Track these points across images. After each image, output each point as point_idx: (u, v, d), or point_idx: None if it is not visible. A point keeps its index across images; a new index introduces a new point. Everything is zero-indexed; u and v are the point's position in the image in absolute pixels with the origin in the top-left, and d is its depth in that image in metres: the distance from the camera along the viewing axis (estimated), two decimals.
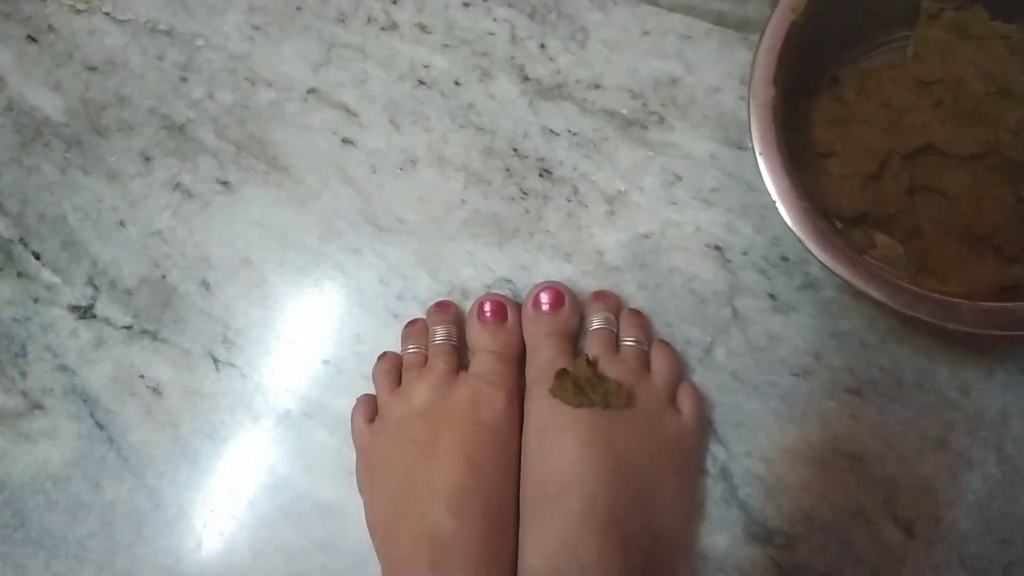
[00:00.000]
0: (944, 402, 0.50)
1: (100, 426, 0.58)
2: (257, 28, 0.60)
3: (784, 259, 0.52)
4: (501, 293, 0.54)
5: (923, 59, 0.50)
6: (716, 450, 0.51)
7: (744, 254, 0.53)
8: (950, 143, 0.48)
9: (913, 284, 0.43)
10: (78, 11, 0.63)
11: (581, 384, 0.48)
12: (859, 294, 0.45)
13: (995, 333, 0.42)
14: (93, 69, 0.62)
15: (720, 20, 0.55)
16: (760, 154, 0.44)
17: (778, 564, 0.50)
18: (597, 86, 0.56)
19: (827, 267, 0.43)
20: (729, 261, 0.53)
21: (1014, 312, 0.42)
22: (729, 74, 0.55)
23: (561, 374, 0.48)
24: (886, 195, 0.49)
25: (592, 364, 0.49)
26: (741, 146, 0.54)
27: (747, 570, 0.50)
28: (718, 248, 0.53)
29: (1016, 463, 0.49)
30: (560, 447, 0.47)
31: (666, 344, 0.52)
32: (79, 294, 0.59)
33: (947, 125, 0.48)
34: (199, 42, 0.61)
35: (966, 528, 0.49)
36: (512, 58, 0.57)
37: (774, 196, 0.44)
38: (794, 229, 0.44)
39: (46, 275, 0.60)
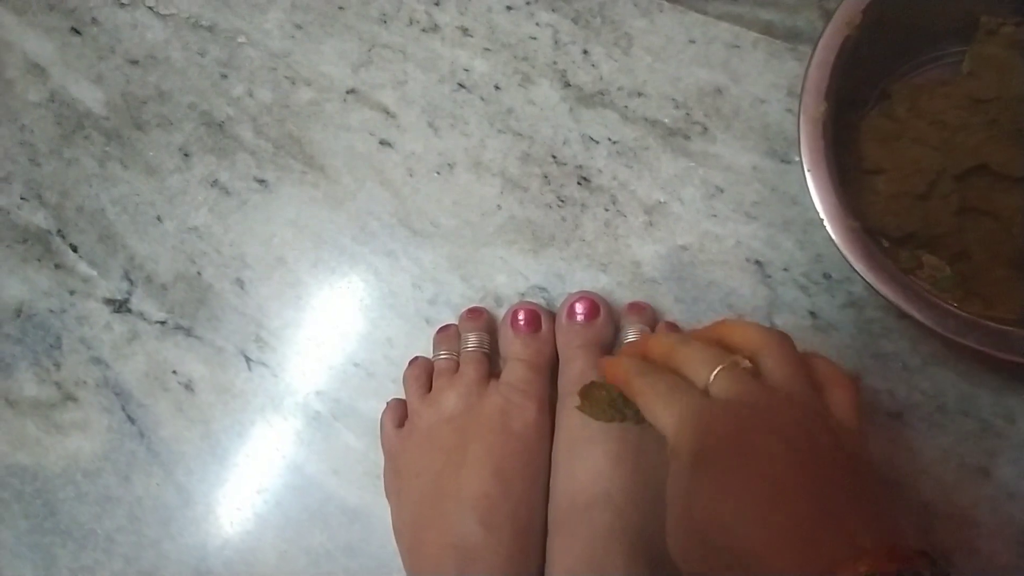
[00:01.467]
0: (987, 429, 0.49)
1: (131, 420, 0.58)
2: (299, 27, 0.60)
3: (827, 276, 0.51)
4: (535, 301, 0.53)
5: (978, 76, 0.48)
6: None
7: (785, 270, 0.52)
8: (1004, 164, 0.47)
9: (959, 307, 0.42)
10: (122, 4, 0.63)
11: (614, 398, 0.47)
12: (904, 316, 0.44)
13: None
14: (135, 63, 0.62)
15: (768, 30, 0.54)
16: (808, 170, 0.43)
17: None
18: (639, 94, 0.55)
19: (875, 289, 0.42)
20: (769, 276, 0.52)
21: None
22: (775, 85, 0.53)
23: (586, 390, 0.48)
24: (935, 215, 0.48)
25: None
26: (785, 159, 0.53)
27: None
28: (758, 263, 0.52)
29: None
30: (590, 461, 0.47)
31: None
32: (115, 288, 0.60)
33: (1001, 145, 0.47)
34: (241, 39, 0.61)
35: (1006, 561, 0.48)
36: (554, 63, 0.57)
37: (821, 213, 0.43)
38: (841, 248, 0.43)
39: (83, 268, 0.60)
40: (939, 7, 0.48)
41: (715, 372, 0.37)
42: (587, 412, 0.47)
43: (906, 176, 0.48)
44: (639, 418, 0.46)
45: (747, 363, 0.37)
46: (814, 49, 0.44)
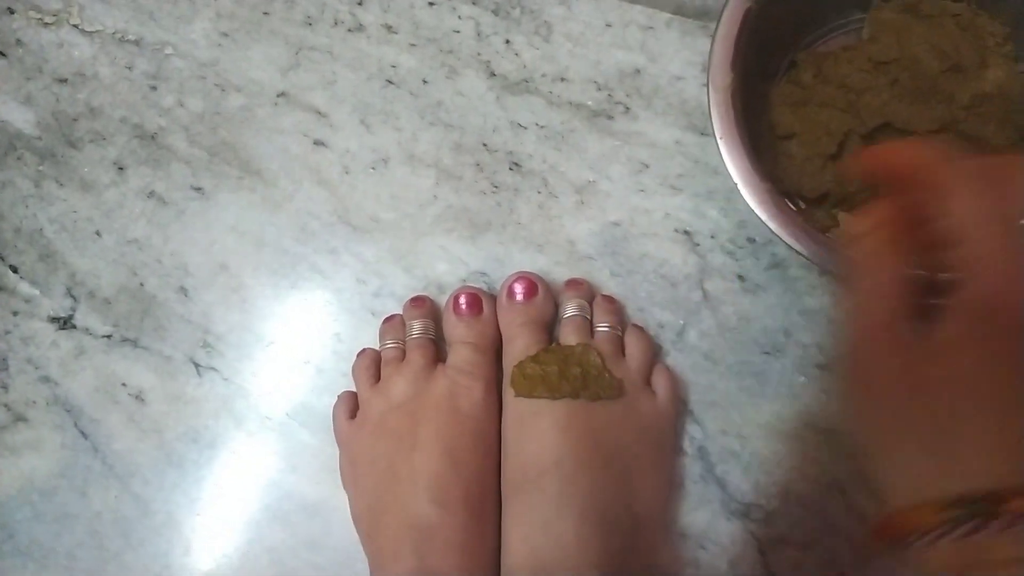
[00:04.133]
0: None
1: (84, 435, 0.58)
2: (225, 34, 0.61)
3: (751, 240, 0.54)
4: (475, 286, 0.55)
5: (878, 40, 0.51)
6: (692, 430, 0.52)
7: (712, 237, 0.54)
8: (907, 121, 0.49)
9: None
10: (46, 24, 0.63)
11: (548, 374, 0.49)
12: (825, 272, 0.46)
13: None
14: (63, 81, 0.62)
15: (679, 10, 0.56)
16: (720, 138, 0.45)
17: (757, 538, 0.51)
18: (563, 79, 0.57)
19: (791, 247, 0.44)
20: (698, 245, 0.54)
21: None
22: (691, 62, 0.56)
23: (520, 368, 0.49)
24: (846, 174, 0.50)
25: (602, 357, 0.50)
26: (704, 132, 0.55)
27: (727, 545, 0.51)
28: (687, 233, 0.54)
29: None
30: (538, 433, 0.48)
31: (639, 328, 0.53)
32: (58, 305, 0.60)
33: (903, 104, 0.50)
34: (168, 50, 0.62)
35: None
36: (478, 54, 0.58)
37: (735, 178, 0.45)
38: (757, 211, 0.45)
39: (24, 288, 0.60)
40: None
41: None
42: (522, 392, 0.49)
43: (817, 139, 0.50)
44: (575, 393, 0.48)
45: None
46: (718, 23, 0.46)
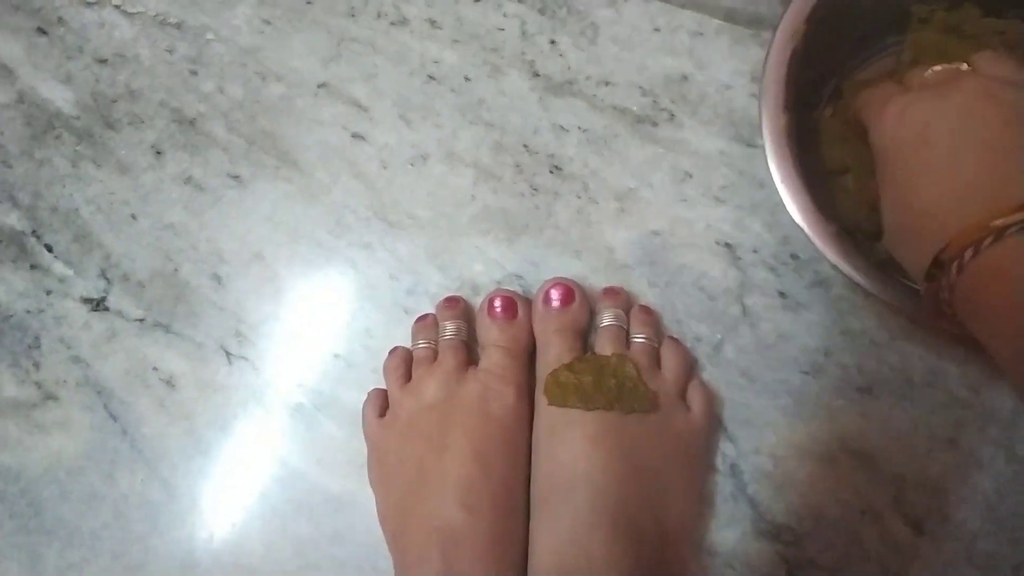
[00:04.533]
0: (954, 401, 0.51)
1: (114, 418, 0.58)
2: (267, 22, 0.60)
3: (794, 257, 0.53)
4: (511, 289, 0.54)
5: (921, 63, 0.48)
6: (725, 447, 0.52)
7: (754, 252, 0.53)
8: None
9: None
10: (88, 4, 0.63)
11: (582, 385, 0.48)
12: (869, 295, 0.45)
13: None
14: (103, 62, 0.62)
15: (731, 17, 0.55)
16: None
17: (786, 560, 0.50)
18: (607, 83, 0.56)
19: (835, 267, 0.43)
20: (739, 258, 0.53)
21: None
22: (739, 72, 0.55)
23: (553, 377, 0.49)
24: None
25: (638, 369, 0.49)
26: (751, 144, 0.54)
27: (756, 566, 0.50)
28: (728, 245, 0.54)
29: None
30: (570, 442, 0.48)
31: (676, 341, 0.52)
32: (92, 286, 0.60)
33: None
34: (209, 35, 0.61)
35: (975, 527, 0.49)
36: (522, 54, 0.57)
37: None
38: (802, 225, 0.44)
39: (59, 267, 0.60)
40: (874, 3, 0.49)
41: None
42: (556, 401, 0.48)
43: (870, 171, 0.48)
44: (608, 404, 0.48)
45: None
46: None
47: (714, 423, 0.51)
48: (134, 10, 0.62)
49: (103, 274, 0.60)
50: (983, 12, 0.48)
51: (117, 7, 0.63)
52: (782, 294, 0.53)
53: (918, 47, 0.49)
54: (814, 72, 0.48)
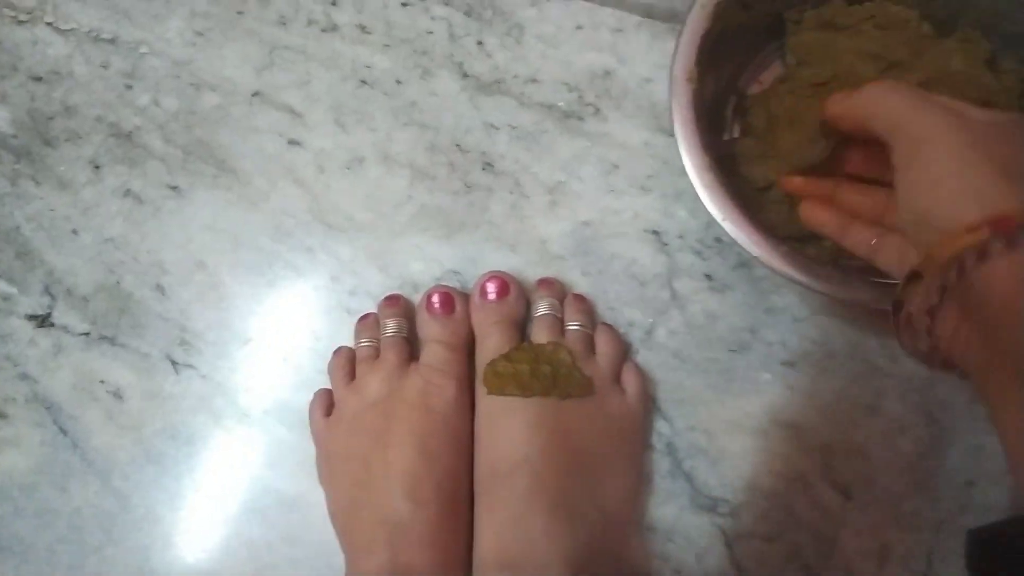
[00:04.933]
0: (874, 370, 0.53)
1: (64, 432, 0.59)
2: (200, 34, 0.61)
3: (718, 240, 0.55)
4: (449, 285, 0.56)
5: (808, 63, 0.50)
6: (661, 426, 0.54)
7: (680, 237, 0.55)
8: None
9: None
10: (20, 22, 0.63)
11: (519, 372, 0.50)
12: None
13: None
14: (38, 79, 0.63)
15: (649, 13, 0.57)
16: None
17: (724, 531, 0.52)
18: (534, 80, 0.58)
19: (756, 256, 0.45)
20: (666, 244, 0.55)
21: None
22: (660, 65, 0.56)
23: (492, 366, 0.50)
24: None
25: (573, 356, 0.51)
26: (672, 134, 0.56)
27: (694, 538, 0.52)
28: (656, 232, 0.55)
29: (943, 425, 0.52)
30: (509, 430, 0.49)
31: (609, 327, 0.54)
32: (36, 303, 0.60)
33: None
34: (143, 49, 0.62)
35: (900, 489, 0.52)
36: (451, 56, 0.59)
37: (690, 173, 0.46)
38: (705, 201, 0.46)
39: (2, 286, 0.61)
40: (750, 19, 0.50)
41: None
42: (494, 390, 0.50)
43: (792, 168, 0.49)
44: (545, 391, 0.49)
45: None
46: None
47: (648, 404, 0.53)
48: (67, 27, 0.63)
49: (47, 290, 0.60)
50: (846, 1, 0.50)
51: (50, 24, 0.63)
52: (708, 277, 0.55)
53: (800, 48, 0.50)
54: (713, 99, 0.50)
